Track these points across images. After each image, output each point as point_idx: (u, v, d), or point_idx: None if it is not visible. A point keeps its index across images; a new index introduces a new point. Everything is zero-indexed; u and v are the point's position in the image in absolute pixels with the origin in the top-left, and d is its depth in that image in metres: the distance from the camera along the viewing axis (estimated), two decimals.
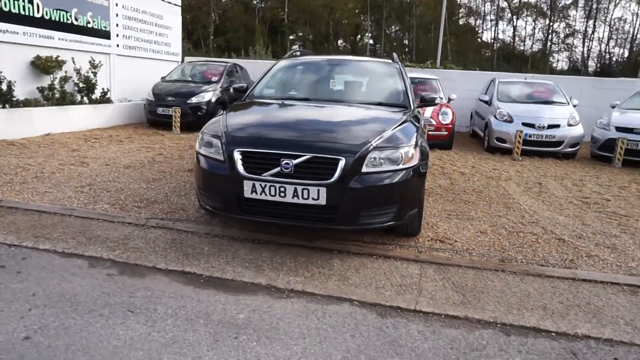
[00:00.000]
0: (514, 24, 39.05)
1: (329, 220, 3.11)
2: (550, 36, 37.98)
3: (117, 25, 10.10)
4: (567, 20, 37.87)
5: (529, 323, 2.51)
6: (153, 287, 2.71)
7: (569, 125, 8.38)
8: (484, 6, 39.98)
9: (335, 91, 4.49)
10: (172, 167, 5.96)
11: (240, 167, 3.11)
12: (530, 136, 8.29)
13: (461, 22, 40.13)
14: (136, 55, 10.90)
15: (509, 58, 36.50)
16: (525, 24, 40.18)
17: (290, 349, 2.17)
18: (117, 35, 10.17)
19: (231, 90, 5.23)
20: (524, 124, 8.37)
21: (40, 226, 3.55)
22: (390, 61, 4.94)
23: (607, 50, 38.94)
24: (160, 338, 2.20)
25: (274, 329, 2.33)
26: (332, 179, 3.00)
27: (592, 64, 38.64)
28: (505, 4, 39.17)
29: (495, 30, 39.49)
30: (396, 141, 3.27)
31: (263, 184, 3.06)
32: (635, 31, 37.01)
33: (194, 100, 9.58)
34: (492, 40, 39.47)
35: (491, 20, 39.75)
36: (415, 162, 3.27)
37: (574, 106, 9.03)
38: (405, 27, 38.34)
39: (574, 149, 8.43)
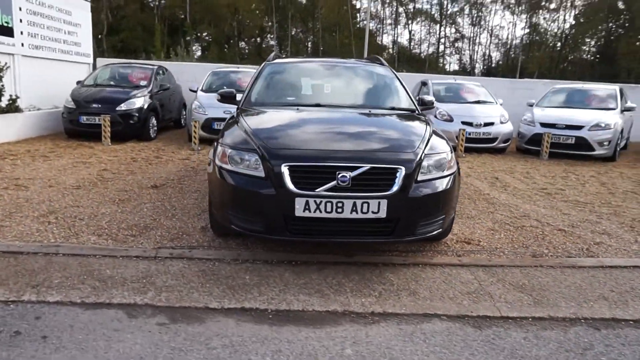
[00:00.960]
0: (410, 28, 41.91)
1: (388, 233, 2.96)
2: (442, 40, 41.49)
3: (21, 20, 8.67)
4: (455, 27, 41.66)
5: (605, 315, 2.64)
6: (224, 332, 2.32)
7: (501, 122, 9.16)
8: (383, 11, 42.27)
9: (345, 96, 4.33)
10: (130, 184, 5.28)
11: (289, 184, 2.82)
12: (470, 134, 8.88)
13: (361, 25, 41.92)
14: (44, 56, 9.48)
15: (408, 60, 39.04)
16: (421, 28, 43.28)
17: None
18: (22, 33, 8.74)
19: (218, 97, 4.85)
20: (463, 123, 8.94)
21: (27, 272, 2.86)
22: (379, 64, 4.89)
23: (488, 54, 43.67)
24: None
25: None
26: (393, 190, 2.85)
27: (478, 66, 43.02)
28: (402, 10, 41.82)
29: (395, 33, 42.01)
30: (436, 148, 3.23)
31: (318, 200, 2.80)
32: (511, 37, 42.07)
33: (123, 107, 8.62)
34: (392, 43, 41.94)
35: (389, 24, 42.21)
36: (455, 168, 3.26)
37: (500, 105, 9.89)
38: (309, 29, 38.96)
39: (505, 144, 9.24)
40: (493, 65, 42.25)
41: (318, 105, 4.02)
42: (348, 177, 2.80)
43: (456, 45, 43.05)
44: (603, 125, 8.61)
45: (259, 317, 2.48)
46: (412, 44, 42.43)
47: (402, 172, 2.87)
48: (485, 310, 2.64)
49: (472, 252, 3.55)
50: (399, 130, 3.50)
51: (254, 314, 2.52)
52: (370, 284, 2.92)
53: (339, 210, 2.82)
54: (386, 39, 44.56)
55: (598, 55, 39.71)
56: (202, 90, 9.50)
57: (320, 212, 2.82)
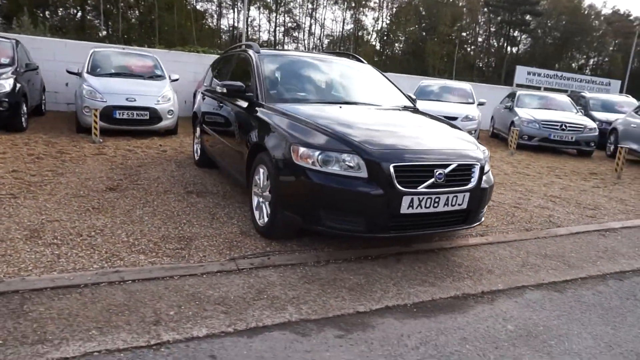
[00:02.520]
0: (247, 14, 41.74)
1: (462, 221, 3.33)
2: (279, 28, 42.57)
3: None
4: (291, 16, 43.20)
5: (621, 268, 3.52)
6: (404, 331, 2.38)
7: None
8: None
9: (358, 93, 4.43)
10: (77, 188, 4.44)
11: (397, 183, 2.93)
12: None
13: (198, 6, 40.08)
14: None
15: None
16: (259, 15, 43.45)
17: (614, 332, 2.45)
18: None
19: (220, 89, 4.16)
20: None
21: (119, 308, 2.32)
22: (358, 61, 5.08)
23: (320, 44, 46.61)
24: None
25: (569, 324, 2.52)
26: (473, 184, 3.22)
27: None
28: None
29: (234, 18, 41.27)
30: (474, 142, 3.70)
31: (421, 197, 3.00)
32: (340, 31, 45.70)
33: None
34: (231, 28, 41.17)
35: (226, 7, 41.31)
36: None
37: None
38: (146, 7, 35.36)
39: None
40: None
41: (346, 102, 4.08)
42: (443, 174, 3.07)
43: (292, 34, 44.84)
44: (470, 117, 10.44)
45: (408, 313, 2.60)
46: (249, 30, 42.52)
47: (478, 167, 3.27)
48: (550, 278, 3.25)
49: (489, 231, 4.18)
50: (449, 128, 3.84)
51: (401, 310, 2.62)
52: (451, 268, 3.25)
53: (435, 205, 3.07)
54: (225, 23, 43.61)
55: (398, 52, 46.51)
56: (87, 72, 8.13)
57: (421, 208, 3.03)
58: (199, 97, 6.34)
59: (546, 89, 17.06)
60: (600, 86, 18.93)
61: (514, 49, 50.65)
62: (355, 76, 4.76)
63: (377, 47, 50.48)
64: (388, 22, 49.96)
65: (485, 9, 46.55)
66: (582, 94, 14.51)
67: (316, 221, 3.04)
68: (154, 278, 2.69)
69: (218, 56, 6.95)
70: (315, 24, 44.34)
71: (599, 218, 4.95)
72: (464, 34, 52.23)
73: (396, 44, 50.76)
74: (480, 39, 51.75)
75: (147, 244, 3.20)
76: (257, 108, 3.84)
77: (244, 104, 4.08)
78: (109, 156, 6.19)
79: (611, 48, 53.39)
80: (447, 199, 3.10)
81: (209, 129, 5.27)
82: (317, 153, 3.01)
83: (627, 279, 3.38)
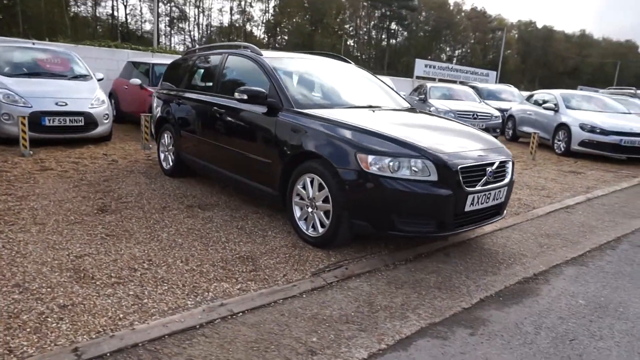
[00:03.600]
0: (125, 2, 38.27)
1: (498, 213, 3.68)
2: (162, 18, 39.80)
3: None
4: (175, 4, 40.66)
5: (607, 239, 4.20)
6: (515, 319, 2.61)
7: None
8: None
9: (373, 96, 4.50)
10: (61, 213, 3.89)
11: (463, 184, 3.15)
12: None
13: None
14: None
15: (130, 37, 35.90)
16: (140, 3, 39.92)
17: None
18: None
19: (239, 95, 3.68)
20: None
21: (264, 345, 2.16)
22: (344, 61, 5.16)
23: (208, 35, 44.80)
24: None
25: (617, 292, 2.98)
26: (509, 179, 3.59)
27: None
28: None
29: (113, 6, 37.41)
30: None
31: (479, 194, 3.27)
32: (229, 20, 44.33)
33: None
34: (109, 17, 37.32)
35: None
36: None
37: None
38: None
39: None
40: None
41: (370, 106, 4.15)
42: (492, 171, 3.37)
43: (177, 25, 42.38)
44: None
45: (499, 302, 2.85)
46: (129, 19, 39.16)
47: (511, 163, 3.64)
48: (568, 254, 3.77)
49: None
50: (472, 128, 4.12)
51: (492, 300, 2.86)
52: (493, 257, 3.60)
53: (487, 200, 3.37)
54: (100, 12, 39.46)
55: (284, 44, 47.12)
56: None
57: (478, 204, 3.30)
58: (157, 101, 5.83)
59: (440, 80, 18.84)
60: (481, 77, 21.42)
61: (392, 41, 54.59)
62: (358, 78, 4.86)
63: (264, 39, 50.25)
64: (274, 13, 49.98)
65: (365, 3, 49.32)
66: (474, 84, 16.34)
67: (389, 226, 3.13)
68: (261, 306, 2.53)
69: (179, 56, 6.41)
70: (202, 14, 42.49)
71: (553, 197, 5.78)
72: (347, 26, 54.60)
73: (284, 36, 51.11)
74: (361, 32, 54.62)
75: (215, 270, 2.96)
76: (285, 114, 3.72)
77: (261, 110, 3.92)
78: (59, 171, 5.40)
79: (472, 41, 60.55)
80: (494, 194, 3.43)
81: (194, 137, 4.91)
82: (387, 160, 3.08)
83: (617, 247, 4.08)
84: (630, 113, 10.37)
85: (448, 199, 3.12)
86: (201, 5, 42.24)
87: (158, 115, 5.77)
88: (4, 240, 3.22)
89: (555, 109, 10.30)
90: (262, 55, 4.35)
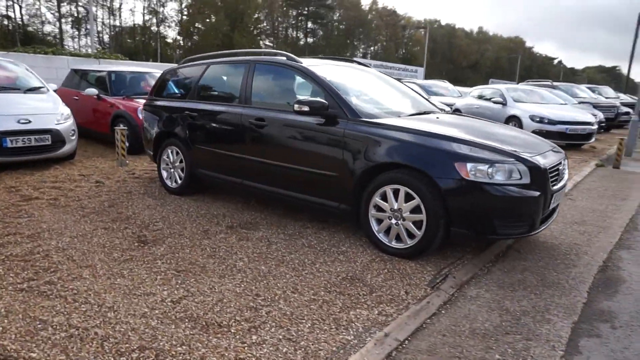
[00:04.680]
0: (20, 2, 34.16)
1: (555, 211, 3.87)
2: (65, 19, 36.18)
3: None
4: (81, 4, 37.11)
5: (623, 222, 4.63)
6: None
7: None
8: None
9: (416, 101, 4.48)
10: (91, 249, 3.41)
11: (550, 184, 3.28)
12: None
13: None
14: None
15: (30, 40, 32.19)
16: (37, 2, 35.61)
17: None
18: None
19: (299, 107, 3.29)
20: None
21: None
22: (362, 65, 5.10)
23: (116, 36, 41.65)
24: None
25: None
26: (567, 177, 3.80)
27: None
28: None
29: (7, 6, 33.06)
30: None
31: (557, 193, 3.42)
32: (142, 20, 41.49)
33: None
34: (4, 18, 32.98)
35: None
36: None
37: None
38: None
39: None
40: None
41: (425, 112, 4.14)
42: (560, 170, 3.55)
43: (83, 26, 38.84)
44: None
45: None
46: (26, 20, 35.10)
47: (565, 160, 3.85)
48: (611, 239, 4.10)
49: None
50: (516, 129, 4.27)
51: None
52: (561, 250, 3.80)
53: (558, 198, 3.54)
54: None
55: (219, 44, 45.71)
56: None
57: (555, 202, 3.46)
58: (151, 115, 5.32)
59: None
60: (411, 73, 22.46)
61: (310, 40, 55.19)
62: (390, 83, 4.83)
63: (178, 40, 48.08)
64: (188, 13, 47.95)
65: (282, 1, 49.25)
66: (414, 81, 17.09)
67: (491, 231, 3.15)
68: (417, 330, 2.41)
69: (175, 65, 5.84)
70: (109, 14, 39.31)
71: None
72: (263, 25, 54.13)
73: (197, 37, 49.22)
74: (277, 31, 54.42)
75: (335, 296, 2.75)
76: (353, 125, 3.57)
77: (316, 121, 3.73)
78: (47, 200, 4.69)
79: (384, 39, 63.25)
80: (562, 193, 3.62)
81: (217, 152, 4.54)
82: (486, 167, 3.10)
83: (638, 227, 4.52)
84: (566, 104, 11.55)
85: (539, 200, 3.22)
86: (110, 4, 39.12)
87: (157, 130, 5.24)
88: (67, 293, 2.71)
89: (504, 103, 11.12)
90: (302, 63, 4.14)
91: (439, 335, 2.39)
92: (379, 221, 3.49)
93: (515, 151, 3.26)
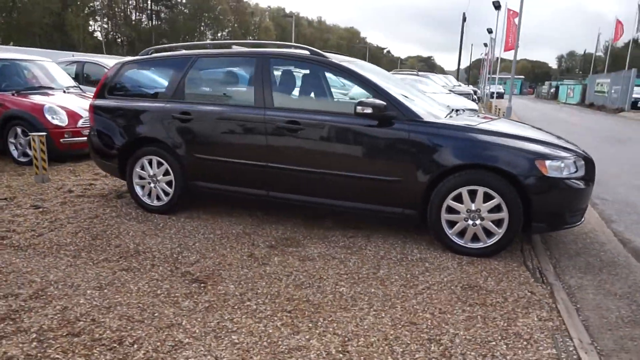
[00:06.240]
0: None
1: None
2: None
3: None
4: None
5: None
6: None
7: None
8: None
9: (433, 98, 4.39)
10: (130, 293, 2.73)
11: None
12: None
13: None
14: None
15: None
16: None
17: None
18: None
19: (362, 109, 2.61)
20: None
21: None
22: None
23: None
24: None
25: None
26: None
27: None
28: None
29: None
30: None
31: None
32: None
33: None
34: None
35: None
36: None
37: None
38: None
39: None
40: None
41: (457, 110, 4.16)
42: None
43: None
44: None
45: None
46: None
47: None
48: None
49: None
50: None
51: None
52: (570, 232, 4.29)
53: None
54: None
55: (48, 24, 38.20)
56: None
57: None
58: (109, 117, 4.31)
59: None
60: None
61: (156, 23, 50.58)
62: (397, 78, 4.75)
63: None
64: None
65: None
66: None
67: (563, 222, 3.39)
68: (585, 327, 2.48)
69: (132, 57, 4.68)
70: None
71: None
72: (95, 3, 47.72)
73: (17, 14, 40.68)
74: (117, 10, 48.52)
75: (481, 309, 2.63)
76: (418, 126, 3.41)
77: (366, 123, 3.49)
78: (3, 243, 3.46)
79: (232, 24, 61.66)
80: None
81: (230, 161, 3.89)
82: (559, 163, 3.29)
83: None
84: (450, 92, 12.95)
85: (590, 190, 3.59)
86: None
87: (125, 138, 4.23)
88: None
89: None
90: (331, 58, 3.79)
91: (607, 330, 2.51)
92: (451, 223, 3.46)
93: (572, 147, 3.57)
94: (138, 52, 4.69)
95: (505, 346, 2.30)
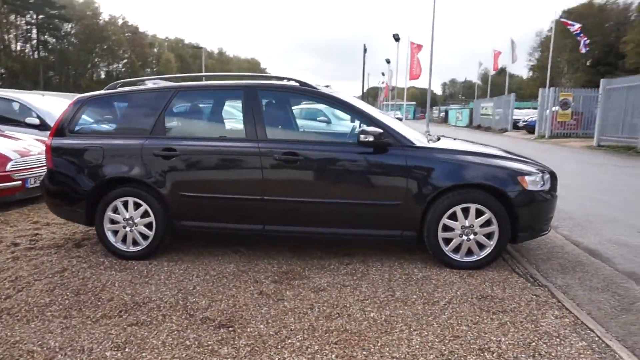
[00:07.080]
0: None
1: None
2: None
3: None
4: None
5: None
6: None
7: None
8: None
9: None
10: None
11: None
12: None
13: None
14: None
15: None
16: None
17: None
18: None
19: (364, 137, 2.43)
20: None
21: None
22: None
23: None
24: None
25: None
26: None
27: None
28: None
29: None
30: None
31: None
32: None
33: None
34: None
35: None
36: None
37: None
38: None
39: None
40: None
41: (433, 136, 4.42)
42: None
43: None
44: None
45: None
46: None
47: None
48: None
49: None
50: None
51: None
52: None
53: None
54: None
55: None
56: None
57: None
58: (74, 158, 3.94)
59: None
60: None
61: (44, 55, 46.24)
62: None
63: None
64: None
65: (4, 7, 39.22)
66: None
67: (540, 230, 3.79)
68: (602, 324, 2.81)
69: (93, 93, 4.23)
70: None
71: None
72: None
73: None
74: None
75: (506, 316, 2.83)
76: (414, 152, 3.63)
77: (362, 150, 3.64)
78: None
79: (127, 56, 58.77)
80: None
81: (221, 197, 3.75)
82: (534, 177, 3.71)
83: None
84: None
85: (556, 201, 4.07)
86: None
87: (92, 182, 3.86)
88: None
89: (328, 121, 12.41)
90: (319, 89, 3.90)
91: (610, 320, 2.86)
92: (446, 240, 3.70)
93: (537, 162, 4.04)
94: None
95: (544, 345, 2.52)
